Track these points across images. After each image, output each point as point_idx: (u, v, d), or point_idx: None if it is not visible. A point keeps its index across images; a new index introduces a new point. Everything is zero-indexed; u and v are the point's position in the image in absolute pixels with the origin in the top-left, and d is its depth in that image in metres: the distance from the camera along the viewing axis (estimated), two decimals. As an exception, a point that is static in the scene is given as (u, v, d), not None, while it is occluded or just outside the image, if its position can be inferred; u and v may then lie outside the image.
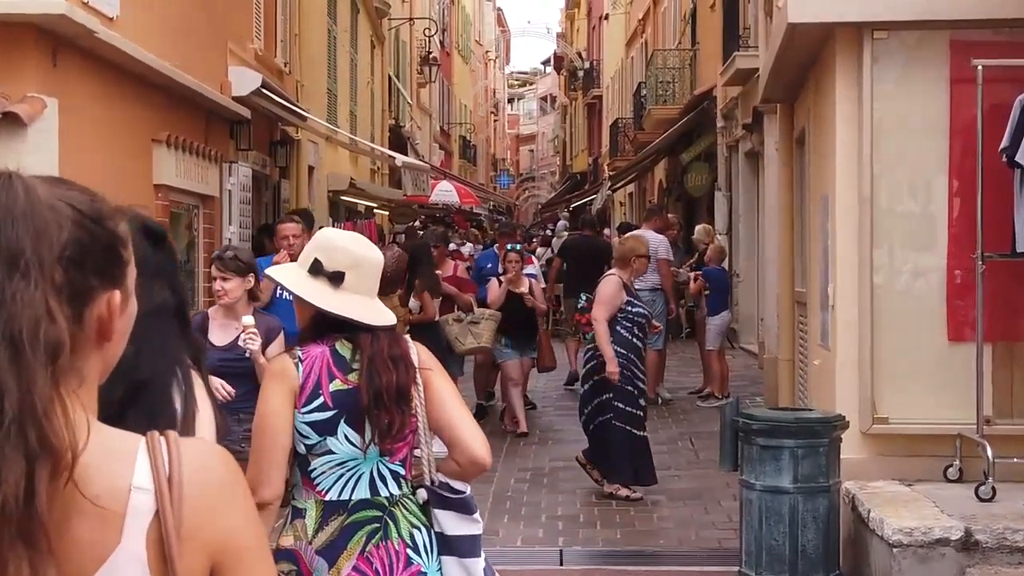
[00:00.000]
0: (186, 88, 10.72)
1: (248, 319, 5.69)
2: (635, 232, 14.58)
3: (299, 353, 3.38)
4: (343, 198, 20.19)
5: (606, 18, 44.31)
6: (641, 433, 8.99)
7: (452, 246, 22.78)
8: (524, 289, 11.55)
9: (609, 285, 9.06)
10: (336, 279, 3.40)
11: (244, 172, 12.83)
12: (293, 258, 8.10)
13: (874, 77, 7.33)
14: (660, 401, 13.66)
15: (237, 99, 12.45)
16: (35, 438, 1.26)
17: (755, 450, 6.56)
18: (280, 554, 3.27)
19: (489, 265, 12.86)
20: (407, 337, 3.54)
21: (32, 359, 1.27)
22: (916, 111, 7.41)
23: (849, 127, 7.45)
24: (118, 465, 1.36)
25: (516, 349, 11.68)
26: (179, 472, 1.38)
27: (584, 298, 10.30)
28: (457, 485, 3.47)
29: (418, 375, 3.40)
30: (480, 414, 12.10)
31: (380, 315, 3.43)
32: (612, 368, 8.74)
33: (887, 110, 7.38)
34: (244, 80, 12.60)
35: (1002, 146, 6.86)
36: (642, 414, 9.03)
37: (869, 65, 7.31)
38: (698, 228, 16.39)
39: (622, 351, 8.83)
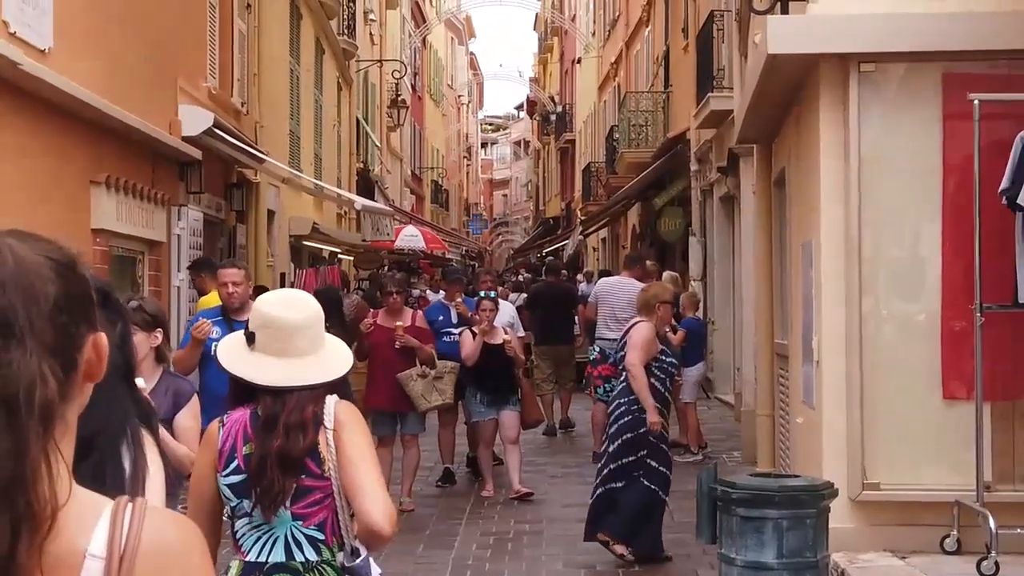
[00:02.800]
0: (129, 127, 10.09)
1: (140, 382, 5.00)
2: (615, 278, 14.14)
3: (224, 417, 3.48)
4: (306, 243, 19.57)
5: (578, 62, 44.07)
6: (665, 497, 8.39)
7: (416, 293, 22.14)
8: (500, 340, 10.61)
9: (643, 330, 8.41)
10: (250, 340, 3.48)
11: (195, 216, 12.20)
12: (232, 308, 7.49)
13: (861, 113, 6.79)
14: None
15: (187, 139, 11.83)
16: (22, 504, 1.32)
17: (735, 521, 5.99)
18: None
19: (440, 318, 11.46)
20: (328, 397, 3.46)
21: (27, 423, 1.32)
22: (907, 149, 6.87)
23: (834, 167, 6.90)
24: (81, 528, 1.39)
25: (492, 406, 10.71)
26: (135, 545, 1.40)
27: (597, 350, 9.76)
28: (362, 550, 3.43)
29: (330, 436, 3.38)
30: (448, 479, 11.38)
31: (289, 375, 3.42)
32: (654, 418, 8.12)
33: (875, 148, 6.83)
34: (195, 119, 11.98)
35: (1002, 187, 6.32)
36: (671, 477, 8.46)
37: (856, 100, 6.77)
38: (665, 275, 15.83)
39: (657, 405, 8.23)
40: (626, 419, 8.28)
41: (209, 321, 7.32)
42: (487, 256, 61.05)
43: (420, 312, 11.30)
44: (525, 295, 18.44)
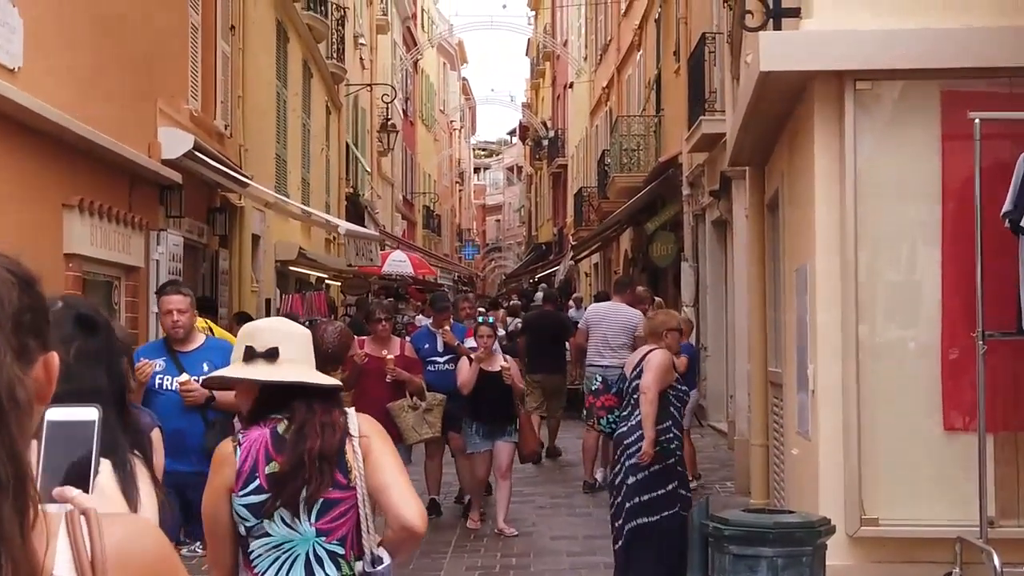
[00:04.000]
0: (104, 149, 9.81)
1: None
2: (605, 304, 13.85)
3: (240, 437, 3.47)
4: (292, 269, 19.28)
5: (570, 87, 43.89)
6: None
7: (404, 319, 21.85)
8: (498, 367, 10.15)
9: (661, 355, 8.06)
10: (271, 355, 3.50)
11: (174, 241, 11.90)
12: (176, 339, 6.75)
13: (857, 132, 6.52)
14: (623, 486, 12.76)
15: (167, 162, 11.54)
16: (27, 502, 1.31)
17: (728, 559, 5.73)
18: None
19: (426, 346, 11.00)
20: (348, 409, 3.53)
21: (18, 420, 1.30)
22: (904, 170, 6.60)
23: (829, 188, 6.63)
24: (38, 547, 1.33)
25: (488, 437, 10.27)
26: (102, 556, 1.35)
27: (599, 379, 9.43)
28: (384, 557, 3.45)
29: (356, 444, 3.42)
30: (435, 510, 10.99)
31: (320, 380, 3.51)
32: (649, 448, 7.70)
33: (872, 169, 6.56)
34: (175, 142, 11.70)
35: (1004, 210, 6.04)
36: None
37: (851, 119, 6.50)
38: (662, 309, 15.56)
39: (676, 432, 7.92)
40: (655, 448, 7.84)
41: (152, 362, 6.60)
42: (478, 281, 60.76)
43: (407, 341, 10.93)
44: (519, 320, 18.28)
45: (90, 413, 1.68)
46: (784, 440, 8.47)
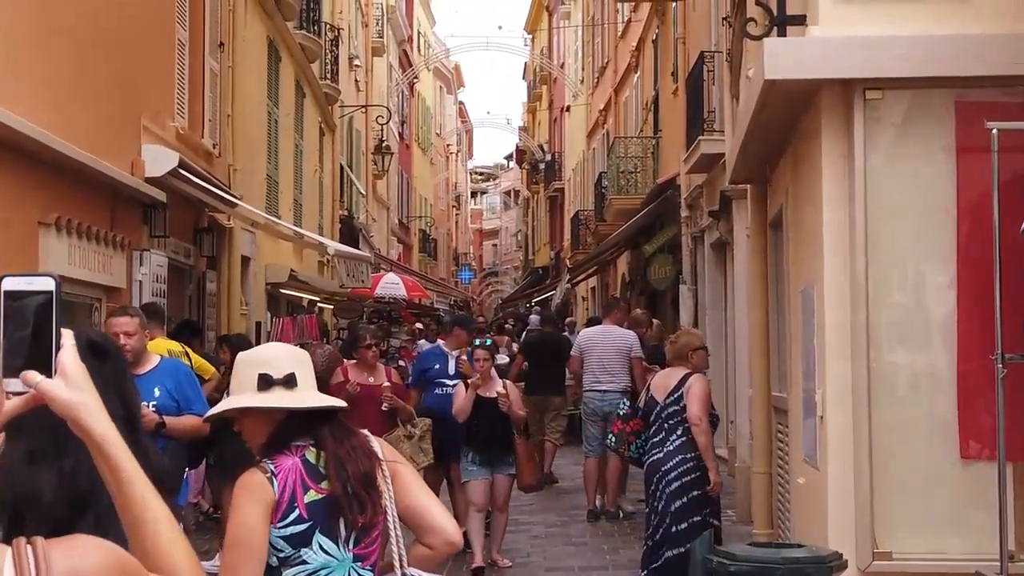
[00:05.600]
0: (83, 166, 9.47)
1: None
2: (596, 328, 13.52)
3: (271, 467, 3.37)
4: (283, 291, 18.92)
5: (567, 110, 43.66)
6: None
7: (396, 343, 21.48)
8: (495, 393, 9.54)
9: (700, 383, 8.33)
10: (290, 382, 3.45)
11: (158, 261, 11.55)
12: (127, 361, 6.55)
13: (867, 144, 6.18)
14: (622, 515, 12.44)
15: (151, 180, 11.21)
16: None
17: (733, 597, 5.35)
18: None
19: (436, 366, 10.53)
20: (365, 432, 3.56)
21: None
22: (917, 184, 6.26)
23: (838, 205, 6.28)
24: None
25: (486, 466, 9.67)
26: None
27: (627, 404, 9.23)
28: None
29: (384, 467, 3.45)
30: None
31: (340, 403, 3.56)
32: (717, 478, 8.12)
33: (882, 183, 6.22)
34: (159, 160, 11.36)
35: (1023, 226, 5.70)
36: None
37: (861, 130, 6.16)
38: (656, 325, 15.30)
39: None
40: (695, 475, 8.06)
41: None
42: (474, 305, 60.37)
43: (392, 368, 10.56)
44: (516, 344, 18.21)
45: (47, 283, 1.65)
46: (789, 468, 8.12)
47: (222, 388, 10.96)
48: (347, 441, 3.45)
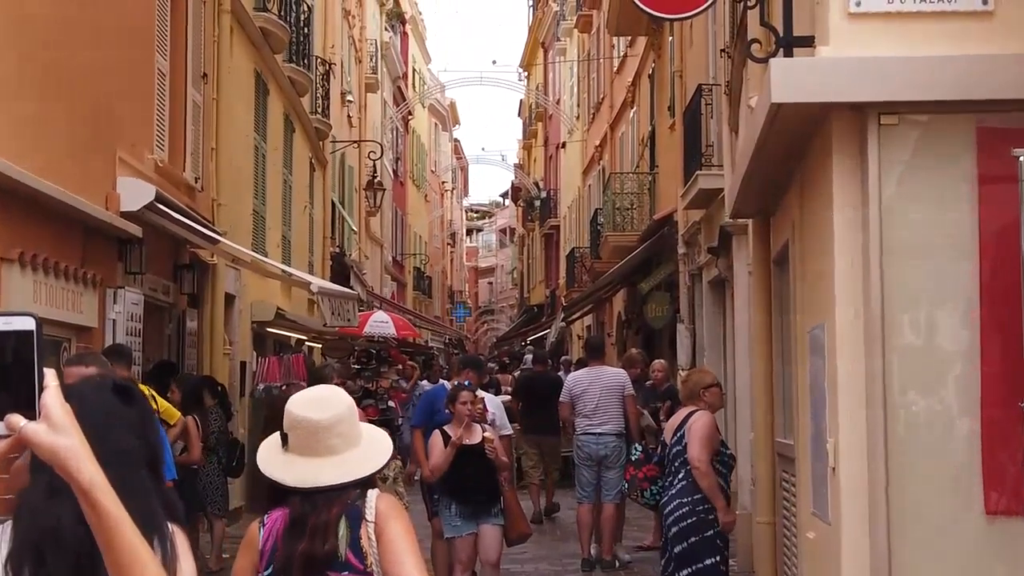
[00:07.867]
0: (50, 199, 8.99)
1: None
2: (583, 371, 13.06)
3: (264, 517, 3.55)
4: (270, 330, 18.41)
5: (563, 147, 43.36)
6: None
7: (391, 383, 20.99)
8: (479, 439, 8.65)
9: (703, 420, 7.91)
10: (284, 440, 3.56)
11: (133, 299, 11.04)
12: None
13: (882, 173, 5.72)
14: (617, 564, 11.96)
15: (126, 214, 10.72)
16: None
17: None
18: None
19: (448, 411, 9.11)
20: (370, 492, 3.51)
21: None
22: (936, 216, 5.79)
23: (850, 238, 5.82)
24: None
25: (470, 519, 8.78)
26: None
27: (640, 449, 8.80)
28: None
29: (371, 529, 3.43)
30: None
31: (318, 475, 3.49)
32: (728, 518, 7.84)
33: (898, 216, 5.76)
34: (136, 193, 10.87)
35: (1054, 261, 5.24)
36: None
37: (875, 158, 5.71)
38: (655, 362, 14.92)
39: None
40: (690, 520, 7.69)
41: None
42: (468, 344, 59.87)
43: (371, 409, 10.07)
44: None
45: (27, 322, 1.62)
46: (797, 521, 7.61)
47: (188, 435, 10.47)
48: (320, 515, 3.45)
